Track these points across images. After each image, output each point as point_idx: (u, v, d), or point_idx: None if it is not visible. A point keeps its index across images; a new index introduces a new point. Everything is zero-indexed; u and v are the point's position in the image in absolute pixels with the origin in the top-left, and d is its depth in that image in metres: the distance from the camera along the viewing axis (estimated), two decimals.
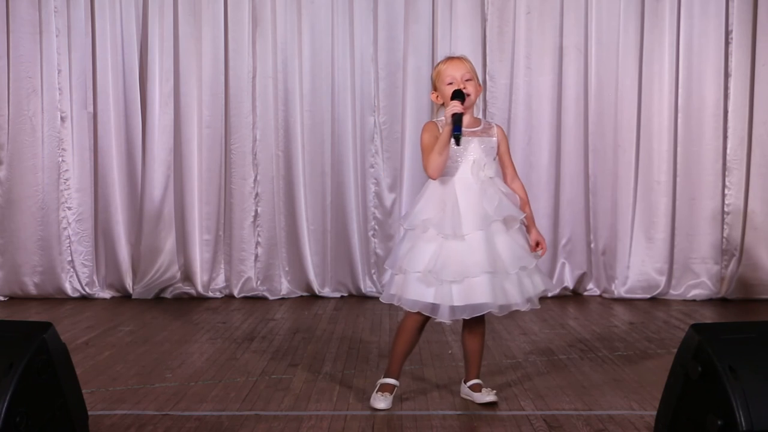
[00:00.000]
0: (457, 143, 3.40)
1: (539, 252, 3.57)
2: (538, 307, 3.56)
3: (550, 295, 6.35)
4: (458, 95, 3.47)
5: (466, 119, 3.51)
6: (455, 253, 3.43)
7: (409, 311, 3.54)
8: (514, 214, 3.51)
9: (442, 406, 3.67)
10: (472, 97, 3.55)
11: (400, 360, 3.66)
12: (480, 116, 6.27)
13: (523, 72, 6.39)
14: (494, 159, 3.59)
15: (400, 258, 3.52)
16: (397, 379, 3.67)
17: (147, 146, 6.39)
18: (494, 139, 3.60)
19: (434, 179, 3.52)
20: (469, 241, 3.44)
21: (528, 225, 3.59)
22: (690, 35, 6.31)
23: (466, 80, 3.54)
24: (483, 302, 3.43)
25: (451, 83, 3.53)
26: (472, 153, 3.53)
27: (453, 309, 3.45)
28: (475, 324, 3.64)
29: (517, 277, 3.47)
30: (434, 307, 3.47)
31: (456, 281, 3.42)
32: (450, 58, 3.62)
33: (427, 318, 3.55)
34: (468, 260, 3.42)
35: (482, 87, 3.68)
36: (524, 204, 3.60)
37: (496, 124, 3.69)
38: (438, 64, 3.67)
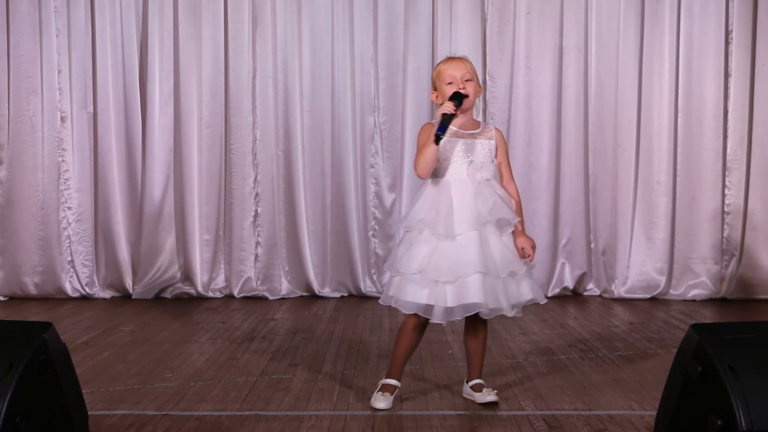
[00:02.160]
0: (436, 143, 3.41)
1: (527, 259, 3.55)
2: (520, 314, 3.55)
3: (549, 295, 6.37)
4: (456, 96, 3.48)
5: (459, 120, 3.52)
6: (448, 253, 3.44)
7: (407, 313, 3.55)
8: (507, 218, 3.50)
9: (442, 406, 3.67)
10: (471, 98, 3.55)
11: (401, 361, 3.67)
12: (479, 118, 6.34)
13: (523, 72, 6.39)
14: (492, 161, 3.59)
15: (398, 260, 3.53)
16: (398, 380, 3.68)
17: (147, 146, 6.40)
18: (493, 141, 3.60)
19: (422, 178, 3.54)
20: (462, 242, 3.45)
21: (517, 230, 3.56)
22: (690, 35, 6.31)
23: (466, 80, 3.54)
24: (475, 302, 3.44)
25: (450, 83, 3.54)
26: (470, 154, 3.54)
27: (447, 310, 3.46)
28: (477, 325, 3.64)
29: (504, 282, 3.47)
30: (428, 308, 3.47)
31: (449, 282, 3.43)
32: (451, 58, 3.62)
33: (426, 320, 3.56)
34: (461, 260, 3.43)
35: (482, 88, 3.67)
36: (518, 209, 3.59)
37: (495, 128, 3.68)
38: (438, 63, 3.68)
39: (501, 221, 3.50)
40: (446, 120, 3.42)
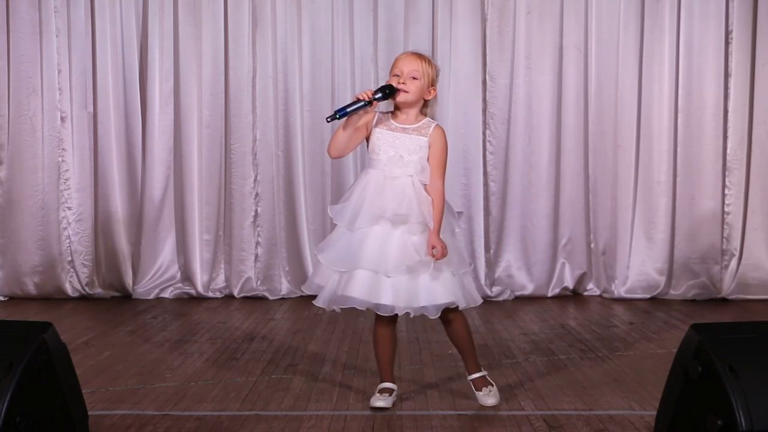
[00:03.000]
0: (329, 120, 3.46)
1: (463, 258, 3.62)
2: (433, 316, 3.51)
3: (549, 295, 6.37)
4: (385, 88, 3.49)
5: (397, 115, 3.55)
6: (349, 244, 3.49)
7: (307, 292, 3.67)
8: (411, 214, 3.46)
9: (442, 406, 3.67)
10: (410, 96, 3.51)
11: (385, 365, 3.67)
12: (480, 118, 6.33)
13: (523, 72, 6.38)
14: (420, 158, 3.53)
15: (322, 243, 3.66)
16: (392, 382, 3.67)
17: (147, 146, 6.39)
18: (424, 138, 3.54)
19: (331, 157, 3.67)
20: (361, 236, 3.48)
21: (429, 231, 3.47)
22: (690, 35, 6.30)
23: (412, 77, 3.52)
24: (351, 296, 3.46)
25: (396, 75, 3.55)
26: (392, 148, 3.54)
27: (333, 297, 3.51)
28: (449, 319, 3.62)
29: (405, 279, 3.44)
30: (320, 289, 3.56)
31: (342, 271, 3.49)
32: (410, 53, 3.62)
33: (392, 321, 3.57)
34: (355, 253, 3.46)
35: (435, 91, 3.59)
36: (436, 210, 3.49)
37: (438, 126, 3.59)
38: (400, 53, 3.70)
39: (406, 218, 3.46)
40: (353, 104, 3.46)
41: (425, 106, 3.61)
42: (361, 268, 3.45)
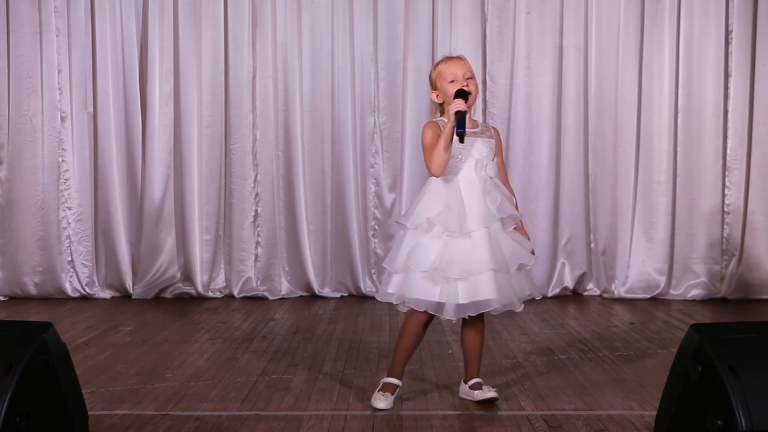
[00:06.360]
0: (461, 140, 3.40)
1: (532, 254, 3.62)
2: (520, 309, 3.56)
3: (549, 295, 6.38)
4: (461, 94, 3.48)
5: (467, 119, 3.52)
6: (461, 250, 3.46)
7: (414, 310, 3.55)
8: (514, 214, 3.56)
9: (442, 406, 3.67)
10: (474, 96, 3.57)
11: (403, 360, 3.67)
12: (479, 118, 6.34)
13: (523, 72, 6.39)
14: (493, 159, 3.61)
15: (402, 256, 3.51)
16: (399, 379, 3.68)
17: (147, 146, 6.40)
18: (493, 140, 3.64)
19: (437, 177, 3.52)
20: (474, 239, 3.47)
21: (519, 226, 3.63)
22: (690, 35, 6.31)
23: (467, 78, 3.56)
24: (488, 299, 3.47)
25: (453, 81, 3.55)
26: (476, 152, 3.56)
27: (459, 307, 3.48)
28: (476, 322, 3.65)
29: (513, 276, 3.52)
30: (440, 305, 3.49)
31: (462, 278, 3.45)
32: (450, 58, 3.64)
33: (432, 317, 3.57)
34: (473, 258, 3.45)
35: (478, 88, 3.73)
36: (516, 206, 3.65)
37: (493, 126, 3.73)
38: (437, 63, 3.68)
39: (507, 218, 3.54)
40: (461, 117, 3.43)
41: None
42: (487, 270, 3.45)
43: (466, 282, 3.45)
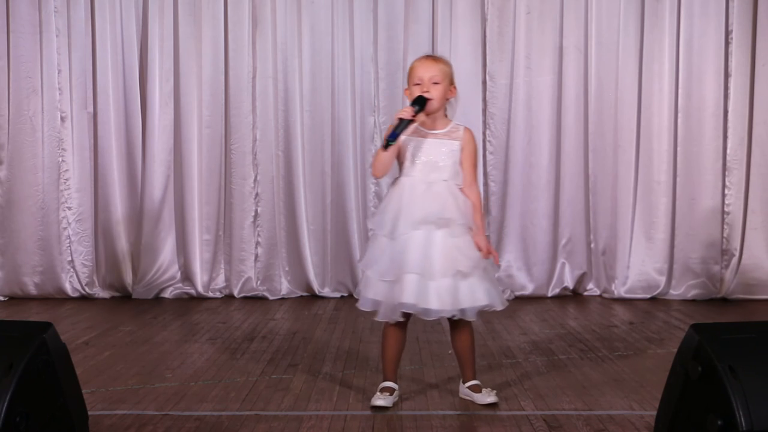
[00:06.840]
0: (384, 149, 3.43)
1: (491, 259, 3.57)
2: (472, 320, 3.56)
3: (549, 295, 6.38)
4: (419, 101, 3.48)
5: (425, 120, 3.53)
6: (392, 252, 3.49)
7: (363, 309, 3.61)
8: (454, 218, 3.49)
9: (442, 406, 3.67)
10: (436, 102, 3.52)
11: (390, 364, 3.68)
12: (479, 118, 6.34)
13: (523, 72, 6.39)
14: (454, 163, 3.56)
15: (364, 259, 3.62)
16: (394, 381, 3.68)
17: (147, 146, 6.40)
18: (457, 143, 3.57)
19: (376, 177, 3.66)
20: (404, 242, 3.48)
21: (473, 233, 3.54)
22: (690, 35, 6.30)
23: (434, 83, 3.52)
24: (405, 302, 3.47)
25: (418, 84, 3.54)
26: (425, 155, 3.54)
27: (393, 307, 3.50)
28: (459, 326, 3.65)
29: (452, 283, 3.47)
30: (377, 303, 3.54)
31: (392, 280, 3.48)
32: (425, 57, 3.64)
33: (405, 322, 3.59)
34: (400, 260, 3.47)
35: (455, 90, 3.63)
36: (475, 211, 3.56)
37: (467, 129, 3.64)
38: (414, 61, 3.67)
39: (449, 221, 3.49)
40: (401, 125, 3.43)
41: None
42: (408, 273, 3.46)
43: (396, 284, 3.47)
